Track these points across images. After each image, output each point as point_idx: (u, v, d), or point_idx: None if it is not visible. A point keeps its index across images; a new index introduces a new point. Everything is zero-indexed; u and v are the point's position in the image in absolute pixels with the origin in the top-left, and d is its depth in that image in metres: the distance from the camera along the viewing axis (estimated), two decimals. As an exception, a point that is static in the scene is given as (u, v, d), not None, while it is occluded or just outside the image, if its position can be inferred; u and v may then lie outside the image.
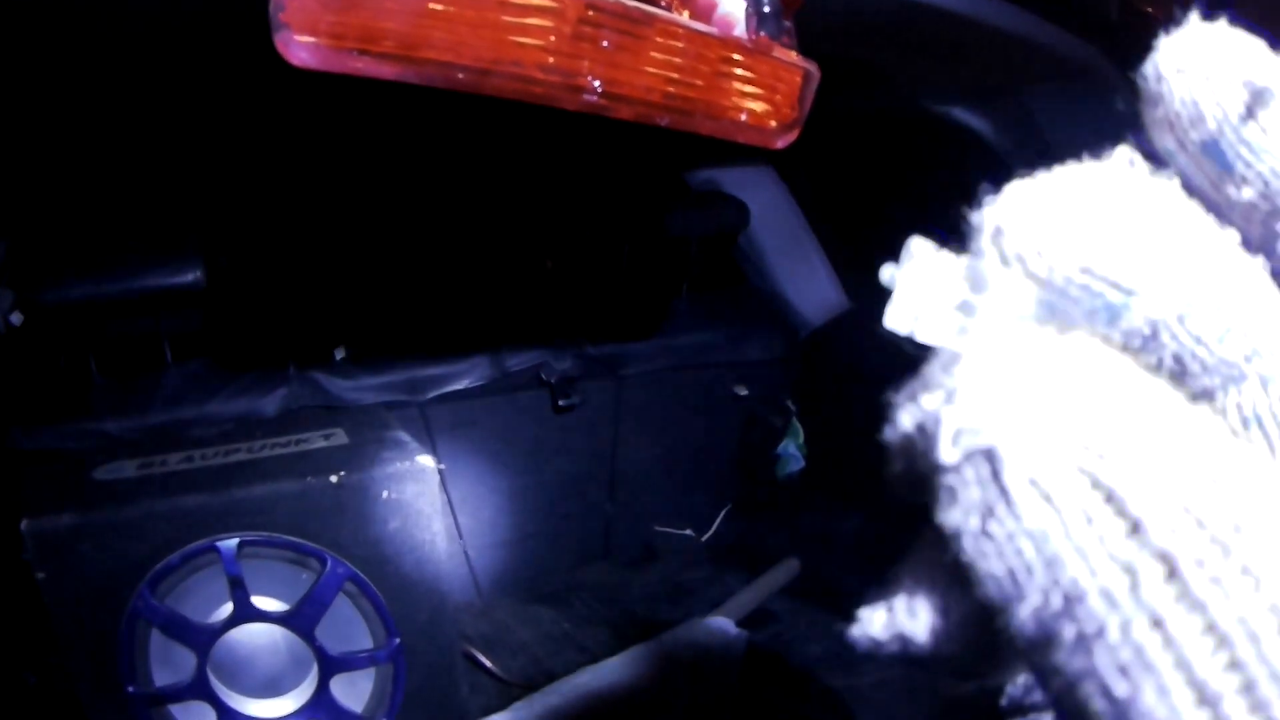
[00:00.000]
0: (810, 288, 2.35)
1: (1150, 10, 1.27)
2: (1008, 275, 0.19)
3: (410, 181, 1.78)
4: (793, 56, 0.89)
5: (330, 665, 1.47)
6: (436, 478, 1.49)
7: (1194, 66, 0.21)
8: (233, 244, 1.68)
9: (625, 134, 1.90)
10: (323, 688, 1.48)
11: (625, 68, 0.69)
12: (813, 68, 0.90)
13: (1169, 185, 0.20)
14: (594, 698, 1.70)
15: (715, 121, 0.81)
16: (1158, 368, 0.20)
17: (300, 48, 0.55)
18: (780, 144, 0.90)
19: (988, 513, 0.16)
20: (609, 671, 1.76)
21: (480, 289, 1.91)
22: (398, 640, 1.49)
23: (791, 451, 2.41)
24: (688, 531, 2.42)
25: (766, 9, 0.81)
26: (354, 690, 1.52)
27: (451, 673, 1.58)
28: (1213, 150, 0.21)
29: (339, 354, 1.80)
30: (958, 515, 0.17)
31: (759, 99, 0.86)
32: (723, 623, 1.91)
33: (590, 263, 1.97)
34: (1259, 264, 0.20)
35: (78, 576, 1.33)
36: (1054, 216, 0.19)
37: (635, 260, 1.98)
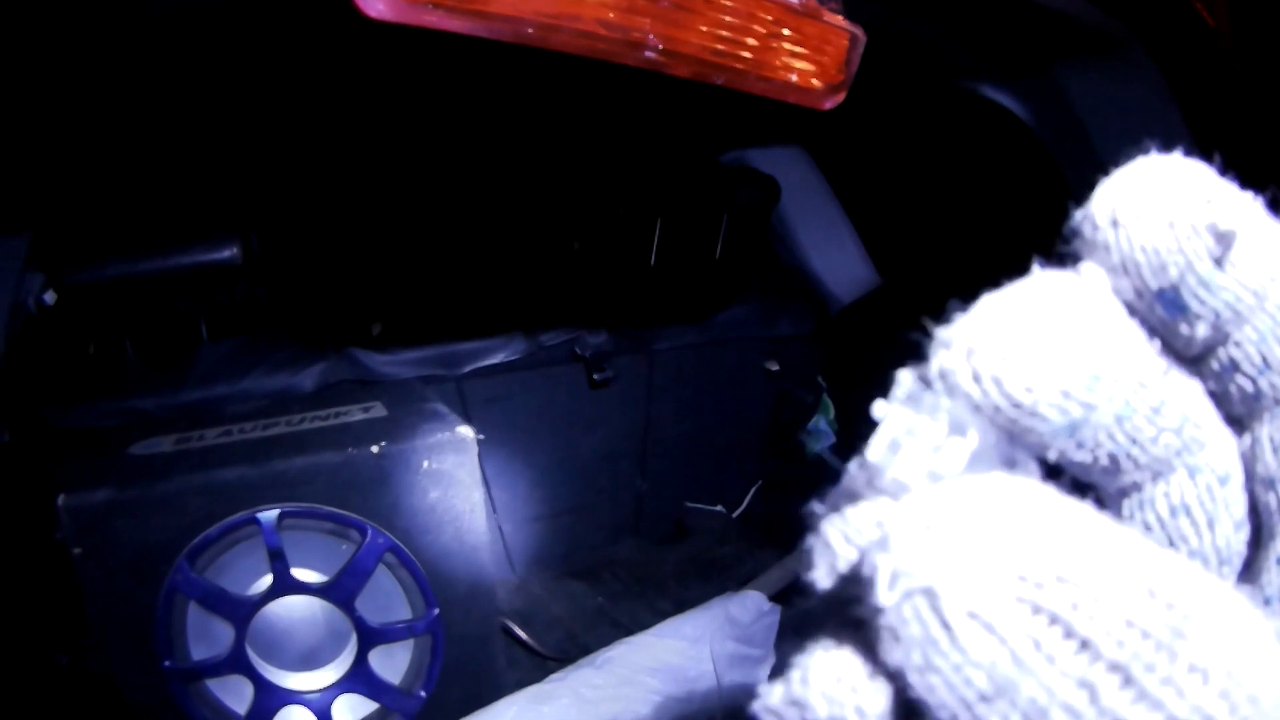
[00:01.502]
0: (841, 265, 2.35)
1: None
2: (969, 408, 0.20)
3: (443, 159, 1.78)
4: (840, 20, 0.88)
5: (369, 637, 1.48)
6: (476, 448, 1.49)
7: (1154, 210, 0.21)
8: (270, 221, 1.68)
9: (661, 110, 1.90)
10: (361, 660, 1.49)
11: (683, 27, 0.69)
12: (859, 31, 0.89)
13: (1116, 306, 0.21)
14: (629, 670, 1.70)
15: (766, 82, 0.81)
16: (1092, 464, 0.21)
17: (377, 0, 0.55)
18: (828, 105, 0.90)
19: (932, 648, 0.17)
20: (643, 645, 1.76)
21: (514, 265, 1.90)
22: (436, 611, 1.50)
23: (822, 428, 2.40)
24: (718, 508, 2.42)
25: (819, -31, 0.81)
26: (391, 663, 1.53)
27: (489, 645, 1.59)
28: (1171, 296, 0.21)
29: (375, 329, 1.81)
30: (899, 653, 0.17)
31: (807, 60, 0.86)
32: (756, 596, 1.91)
33: (622, 239, 1.96)
34: (1194, 382, 0.21)
35: (114, 552, 1.33)
36: (1027, 340, 0.20)
37: (667, 236, 1.97)
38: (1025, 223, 2.10)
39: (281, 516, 1.39)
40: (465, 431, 1.49)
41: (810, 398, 2.37)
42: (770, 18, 0.77)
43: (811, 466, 2.44)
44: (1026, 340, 0.20)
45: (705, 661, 1.74)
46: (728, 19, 0.73)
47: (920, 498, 0.18)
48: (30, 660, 1.58)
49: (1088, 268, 0.22)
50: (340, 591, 1.44)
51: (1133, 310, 0.22)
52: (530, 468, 2.07)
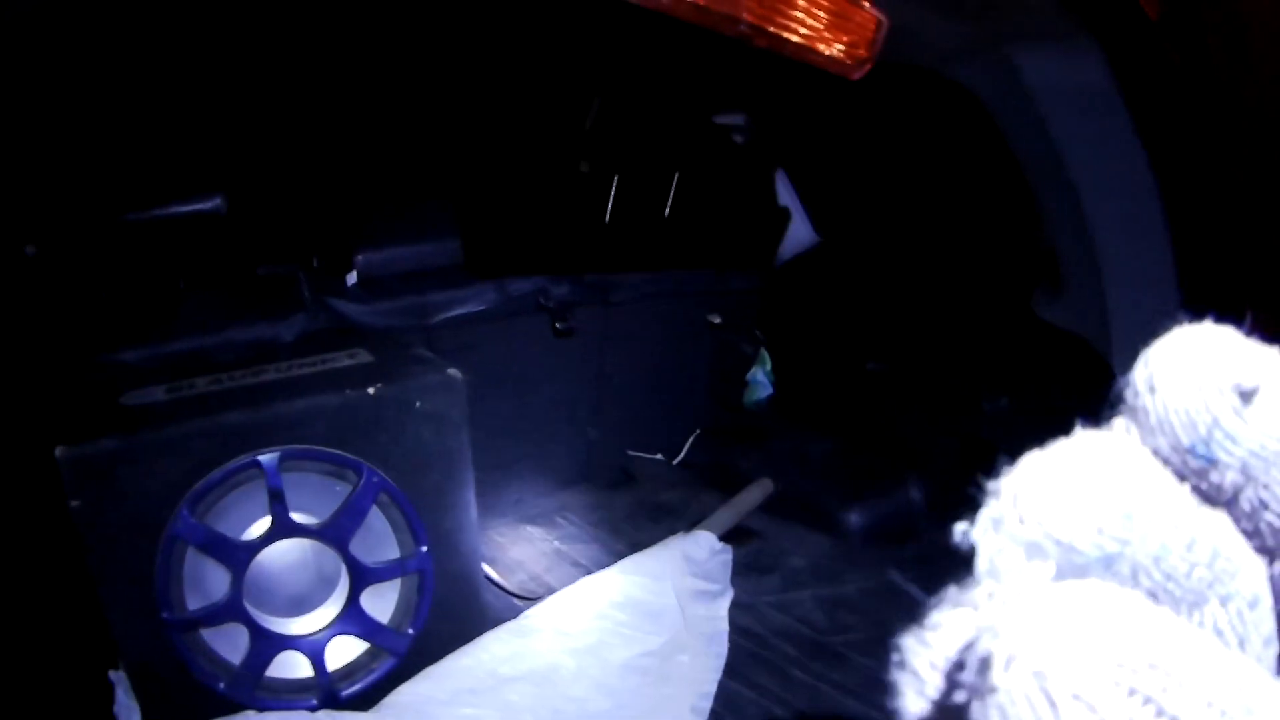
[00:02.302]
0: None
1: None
2: (1026, 539, 0.23)
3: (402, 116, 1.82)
4: (870, 7, 0.98)
5: (361, 577, 1.52)
6: (465, 389, 1.55)
7: (1185, 376, 0.24)
8: (246, 170, 1.69)
9: (626, 79, 1.96)
10: (353, 600, 1.53)
11: (767, 8, 0.77)
12: (884, 18, 0.99)
13: (1148, 456, 0.24)
14: (600, 604, 1.79)
15: (816, 54, 0.90)
16: (1237, 521, 0.24)
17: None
18: (856, 76, 1.00)
19: None
20: (610, 581, 1.86)
21: (483, 210, 1.95)
22: (425, 549, 1.55)
23: (760, 379, 2.52)
24: (658, 456, 2.52)
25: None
26: (381, 603, 1.57)
27: (473, 581, 1.65)
28: (1203, 450, 0.24)
29: (351, 279, 1.83)
30: None
31: (843, 39, 0.95)
32: (707, 536, 2.01)
33: (583, 193, 2.03)
34: (1222, 516, 0.24)
35: (114, 503, 1.33)
36: (1064, 492, 0.23)
37: (625, 190, 2.04)
38: (954, 189, 2.25)
39: (282, 458, 1.42)
40: (455, 373, 1.55)
41: (750, 349, 2.48)
42: (825, 3, 0.86)
43: (748, 416, 2.56)
44: (1064, 484, 0.23)
45: (668, 596, 1.84)
46: (797, 3, 0.81)
47: (1026, 598, 0.20)
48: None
49: (1119, 423, 0.25)
50: (336, 532, 1.48)
51: (1167, 461, 0.24)
52: (491, 417, 2.12)
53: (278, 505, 1.44)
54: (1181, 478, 0.24)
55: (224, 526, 1.43)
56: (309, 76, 1.72)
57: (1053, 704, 0.18)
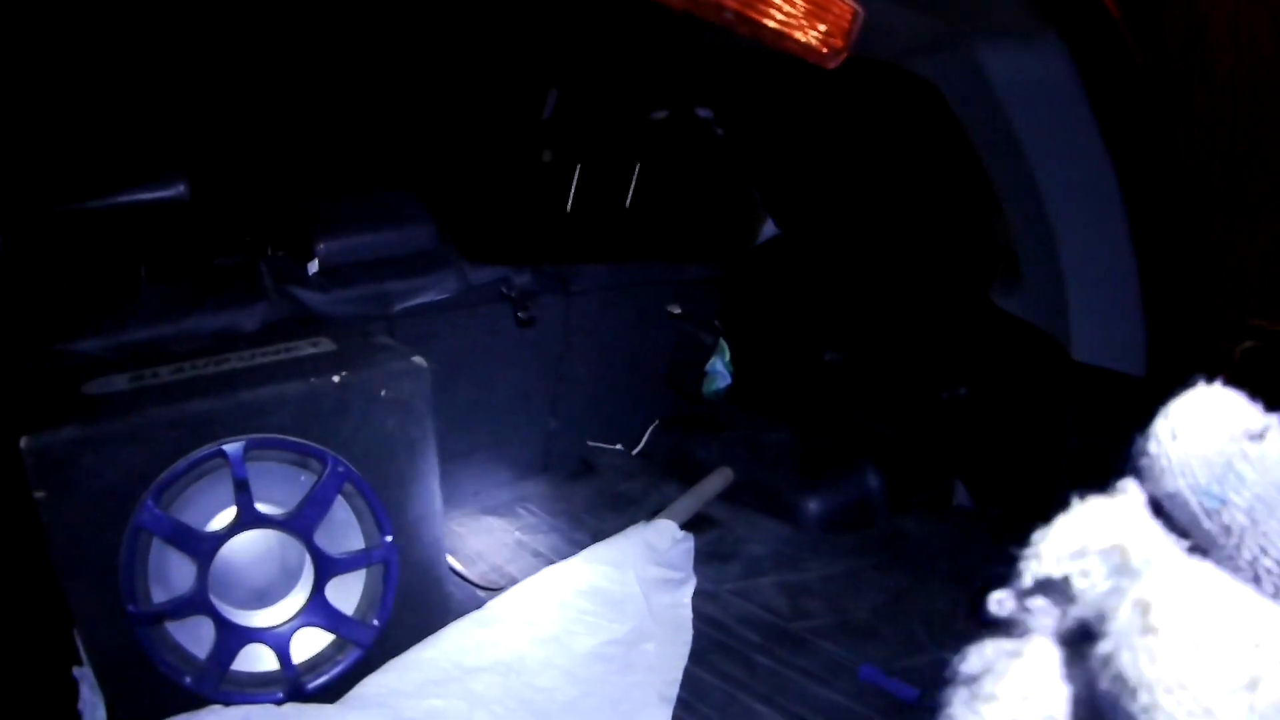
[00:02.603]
0: (741, 215, 2.48)
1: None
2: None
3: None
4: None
5: (327, 568, 1.51)
6: (429, 377, 1.54)
7: (1204, 423, 0.27)
8: (207, 159, 1.66)
9: (590, 72, 1.96)
10: (318, 592, 1.51)
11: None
12: (859, 9, 1.00)
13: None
14: (563, 593, 1.79)
15: (794, 41, 0.91)
16: (1237, 571, 0.26)
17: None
18: (832, 65, 1.01)
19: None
20: (572, 570, 1.86)
21: (449, 202, 1.95)
22: (390, 538, 1.54)
23: (719, 369, 2.54)
24: (618, 446, 2.52)
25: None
26: (345, 593, 1.56)
27: (437, 570, 1.65)
28: (1217, 491, 0.26)
29: (312, 268, 1.81)
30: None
31: (820, 27, 0.96)
32: (669, 525, 2.02)
33: (543, 184, 2.03)
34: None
35: (79, 493, 1.31)
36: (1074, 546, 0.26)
37: (587, 182, 2.04)
38: (913, 181, 2.28)
39: (247, 447, 1.40)
40: (420, 361, 1.54)
41: (710, 339, 2.49)
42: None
43: (707, 406, 2.58)
44: (1078, 540, 0.26)
45: (631, 585, 1.85)
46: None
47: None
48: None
49: (1129, 485, 0.28)
50: (301, 522, 1.47)
51: (1184, 505, 0.27)
52: (450, 406, 2.11)
53: (243, 495, 1.42)
54: (1194, 520, 0.27)
55: (189, 517, 1.42)
56: (272, 65, 1.70)
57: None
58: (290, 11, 1.59)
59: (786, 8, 0.87)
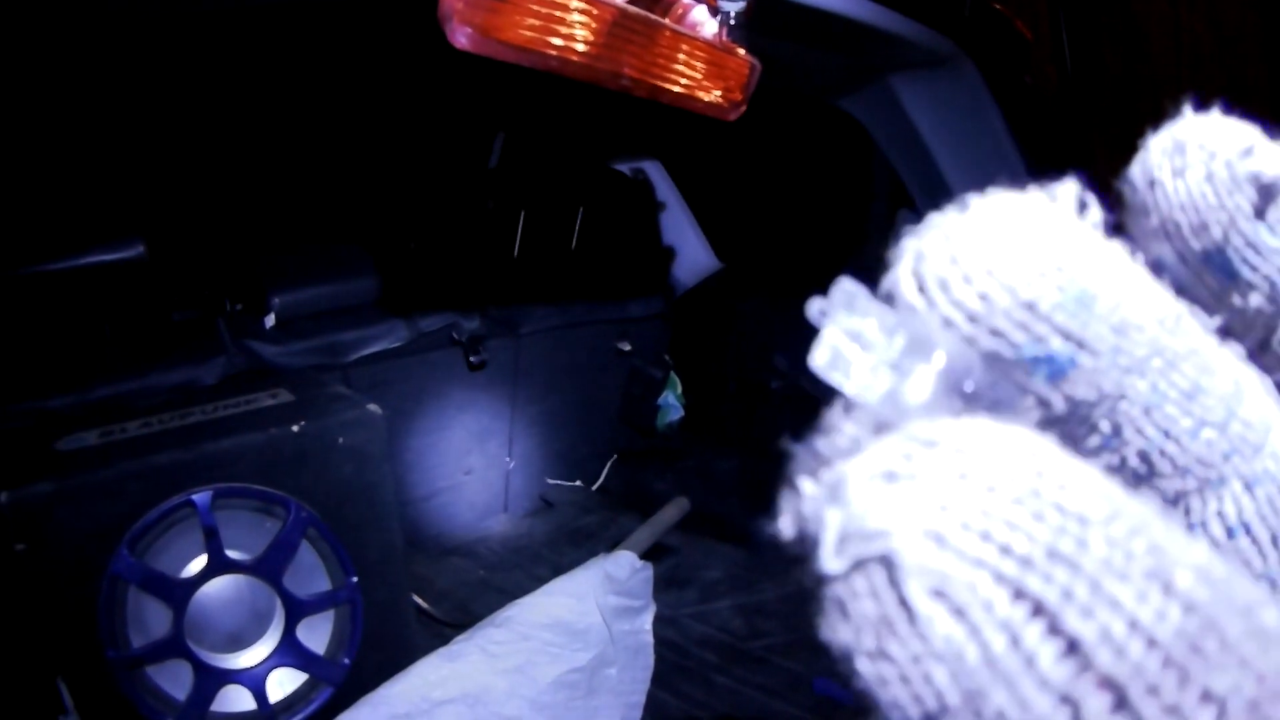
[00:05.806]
0: (684, 253, 2.59)
1: (999, 7, 1.53)
2: (925, 318, 0.17)
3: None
4: (744, 54, 1.10)
5: (296, 610, 1.57)
6: (384, 424, 1.62)
7: (1192, 166, 0.19)
8: (162, 218, 1.74)
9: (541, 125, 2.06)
10: (289, 632, 1.57)
11: (646, 62, 0.88)
12: (757, 63, 1.11)
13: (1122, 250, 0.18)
14: (527, 626, 1.86)
15: (695, 100, 1.01)
16: (1120, 468, 0.17)
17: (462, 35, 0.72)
18: (732, 117, 1.11)
19: (886, 631, 0.14)
20: (535, 604, 1.92)
21: (393, 255, 2.03)
22: (355, 579, 1.61)
23: (671, 402, 2.62)
24: (577, 483, 2.60)
25: (732, 21, 1.03)
26: (315, 634, 1.62)
27: (402, 609, 1.71)
28: (1217, 259, 0.19)
29: (269, 322, 1.89)
30: (848, 633, 0.14)
31: (721, 85, 1.06)
32: (628, 555, 2.09)
33: (489, 230, 2.12)
34: (1247, 371, 0.18)
35: (56, 544, 1.37)
36: (988, 241, 0.16)
37: (531, 226, 2.14)
38: (846, 214, 2.40)
39: (214, 497, 1.47)
40: (374, 408, 1.62)
41: (660, 374, 2.58)
42: (701, 54, 0.98)
43: (661, 438, 2.67)
44: (985, 240, 0.16)
45: (592, 614, 1.91)
46: (676, 55, 0.92)
47: (883, 441, 0.15)
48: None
49: (1066, 187, 0.18)
50: (269, 567, 1.53)
51: (1175, 280, 0.19)
52: (407, 451, 2.18)
53: (213, 542, 1.49)
54: (1194, 306, 0.18)
55: (163, 565, 1.47)
56: (220, 125, 1.78)
57: (905, 604, 0.13)
58: (240, 73, 1.67)
59: (688, 72, 0.97)
